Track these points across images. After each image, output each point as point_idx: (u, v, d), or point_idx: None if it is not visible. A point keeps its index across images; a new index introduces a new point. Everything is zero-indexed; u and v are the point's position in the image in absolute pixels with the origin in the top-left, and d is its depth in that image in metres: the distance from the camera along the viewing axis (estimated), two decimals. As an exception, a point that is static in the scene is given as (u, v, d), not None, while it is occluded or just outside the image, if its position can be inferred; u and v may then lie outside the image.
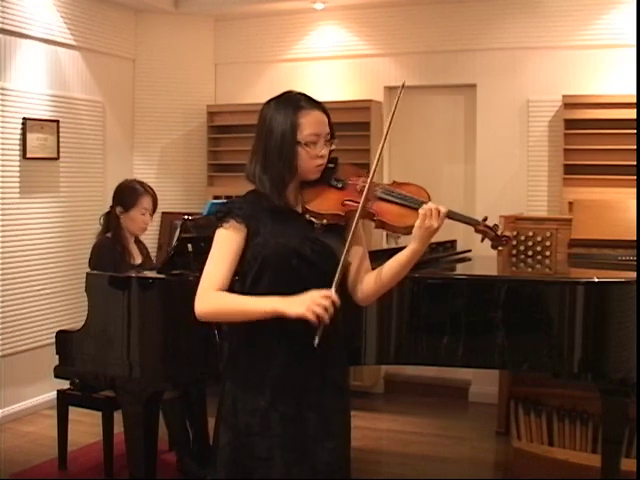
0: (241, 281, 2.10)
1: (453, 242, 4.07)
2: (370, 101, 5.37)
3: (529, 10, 5.12)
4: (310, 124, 2.06)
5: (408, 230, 2.07)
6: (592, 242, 4.27)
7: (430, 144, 5.58)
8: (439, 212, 2.02)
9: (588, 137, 4.85)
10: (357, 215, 2.05)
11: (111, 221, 3.82)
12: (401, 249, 2.10)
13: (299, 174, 2.10)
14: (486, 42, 5.24)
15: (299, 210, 2.12)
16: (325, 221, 2.09)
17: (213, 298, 2.02)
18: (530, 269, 4.07)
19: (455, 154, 5.54)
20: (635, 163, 4.51)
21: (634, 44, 4.66)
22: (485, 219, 2.14)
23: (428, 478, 3.88)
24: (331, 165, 2.17)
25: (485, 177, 5.26)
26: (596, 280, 2.94)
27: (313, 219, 2.10)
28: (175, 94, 5.83)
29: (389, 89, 5.59)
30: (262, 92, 5.72)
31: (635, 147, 4.55)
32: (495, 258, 4.39)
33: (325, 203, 2.11)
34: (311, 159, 2.07)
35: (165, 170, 5.86)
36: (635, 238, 3.94)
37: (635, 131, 4.55)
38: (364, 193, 2.06)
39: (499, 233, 2.12)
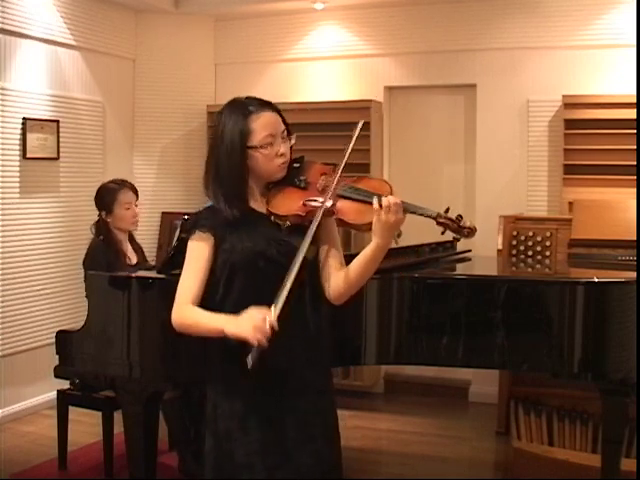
0: (215, 287, 2.10)
1: (453, 242, 4.07)
2: (370, 101, 5.36)
3: (529, 10, 5.12)
4: (262, 126, 2.06)
5: (369, 227, 2.02)
6: (592, 242, 4.27)
7: (430, 144, 5.58)
8: (390, 205, 1.95)
9: (588, 137, 4.84)
10: (317, 216, 2.01)
11: (101, 227, 3.86)
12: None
13: (263, 177, 2.10)
14: (486, 42, 5.24)
15: (265, 212, 2.12)
16: (288, 222, 2.08)
17: (183, 312, 2.06)
18: (530, 269, 4.07)
19: (455, 154, 5.54)
20: (635, 163, 4.51)
21: (634, 44, 4.67)
22: (447, 210, 2.04)
23: (428, 478, 3.88)
24: (296, 165, 2.16)
25: (485, 177, 5.26)
26: (596, 280, 2.94)
27: (277, 221, 2.09)
28: (175, 94, 5.83)
29: (389, 89, 5.59)
30: (262, 92, 5.65)
31: (635, 147, 4.55)
32: (495, 258, 4.40)
33: (286, 204, 2.09)
34: (271, 160, 2.07)
35: (165, 170, 5.86)
36: (635, 238, 3.94)
37: (635, 131, 4.55)
38: (327, 193, 2.04)
39: (462, 224, 2.02)
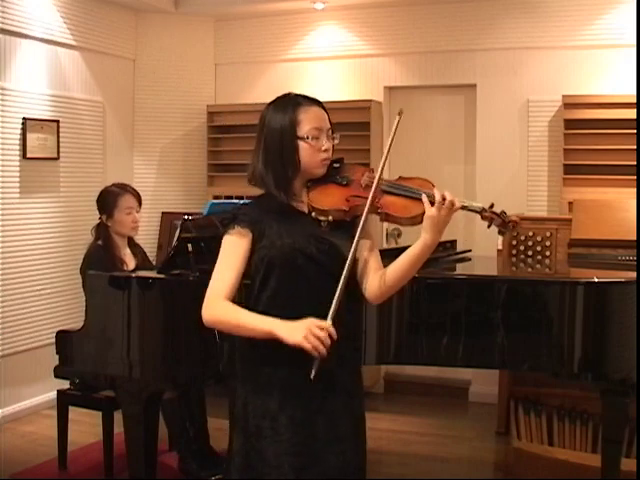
0: (251, 284, 2.10)
1: (453, 242, 4.07)
2: (370, 101, 5.36)
3: (529, 10, 5.12)
4: (310, 119, 2.09)
5: (413, 221, 2.05)
6: (592, 242, 4.26)
7: (430, 144, 5.58)
8: (445, 200, 1.97)
9: (588, 137, 4.84)
10: (366, 209, 2.03)
11: (101, 231, 3.83)
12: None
13: (305, 170, 2.11)
14: (486, 42, 5.24)
15: (305, 210, 2.12)
16: (330, 218, 2.09)
17: (218, 308, 2.03)
18: (530, 269, 4.07)
19: (455, 154, 5.54)
20: (635, 163, 4.51)
21: (634, 44, 4.66)
22: (491, 206, 2.09)
23: (428, 478, 3.88)
24: (336, 165, 2.18)
25: (485, 177, 5.26)
26: (596, 280, 2.94)
27: (318, 216, 2.10)
28: (175, 94, 5.83)
29: (389, 89, 5.59)
30: (262, 92, 5.72)
31: (635, 147, 4.55)
32: (495, 258, 4.40)
33: (329, 199, 2.11)
34: (315, 153, 2.09)
35: (165, 170, 5.86)
36: (635, 238, 3.94)
37: (635, 131, 4.55)
38: (372, 187, 2.05)
39: (506, 219, 2.07)
